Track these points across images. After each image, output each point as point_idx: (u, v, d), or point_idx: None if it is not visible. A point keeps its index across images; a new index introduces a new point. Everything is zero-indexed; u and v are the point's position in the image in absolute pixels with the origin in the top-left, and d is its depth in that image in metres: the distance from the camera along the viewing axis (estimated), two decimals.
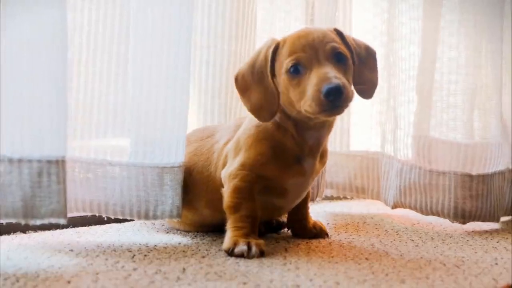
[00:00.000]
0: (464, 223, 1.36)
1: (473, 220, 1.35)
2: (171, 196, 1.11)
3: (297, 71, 1.00)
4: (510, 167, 1.44)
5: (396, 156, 1.44)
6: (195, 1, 1.25)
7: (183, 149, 1.13)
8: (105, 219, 1.21)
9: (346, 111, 1.51)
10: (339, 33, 1.07)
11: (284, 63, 1.02)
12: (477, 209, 1.35)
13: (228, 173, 1.07)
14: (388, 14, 1.49)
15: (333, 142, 1.55)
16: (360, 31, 1.58)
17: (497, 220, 1.38)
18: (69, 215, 1.21)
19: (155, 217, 1.12)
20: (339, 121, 1.54)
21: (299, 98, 1.00)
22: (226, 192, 1.07)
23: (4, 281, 0.83)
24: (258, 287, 0.83)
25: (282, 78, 1.03)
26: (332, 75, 0.97)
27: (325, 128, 1.08)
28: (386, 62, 1.50)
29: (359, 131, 1.61)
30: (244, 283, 0.85)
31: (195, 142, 1.18)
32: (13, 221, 0.95)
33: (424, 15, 1.42)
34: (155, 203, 1.11)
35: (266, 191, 1.08)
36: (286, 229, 1.24)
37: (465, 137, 1.40)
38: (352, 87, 1.05)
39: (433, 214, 1.38)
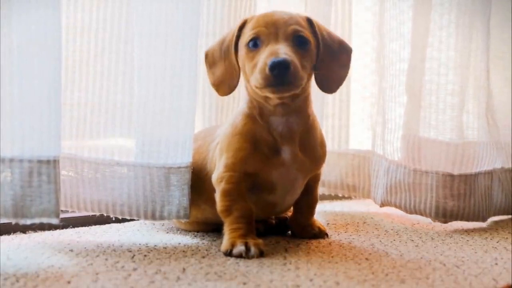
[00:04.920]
0: (445, 222, 1.35)
1: (455, 219, 1.35)
2: (177, 197, 1.11)
3: (255, 45, 1.03)
4: (507, 166, 1.44)
5: (384, 155, 1.44)
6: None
7: (190, 149, 1.12)
8: (106, 218, 1.21)
9: (343, 109, 1.55)
10: (309, 21, 1.08)
11: (245, 37, 1.05)
12: (459, 209, 1.34)
13: (215, 177, 1.08)
14: (379, 15, 1.48)
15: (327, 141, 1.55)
16: (360, 30, 1.58)
17: (483, 220, 1.37)
18: (70, 215, 1.23)
19: (162, 217, 1.12)
20: (331, 119, 1.54)
21: (251, 72, 1.02)
22: (217, 197, 1.07)
23: (4, 281, 0.83)
24: (258, 287, 0.84)
25: (242, 52, 1.05)
26: (282, 51, 0.98)
27: (292, 114, 1.07)
28: (377, 64, 1.49)
29: (353, 130, 1.61)
30: (244, 283, 0.85)
31: (201, 140, 1.19)
32: (4, 220, 0.95)
33: (414, 16, 1.42)
34: (162, 203, 1.11)
35: (255, 188, 1.09)
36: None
37: (453, 137, 1.40)
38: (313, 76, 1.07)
39: (416, 213, 1.37)
